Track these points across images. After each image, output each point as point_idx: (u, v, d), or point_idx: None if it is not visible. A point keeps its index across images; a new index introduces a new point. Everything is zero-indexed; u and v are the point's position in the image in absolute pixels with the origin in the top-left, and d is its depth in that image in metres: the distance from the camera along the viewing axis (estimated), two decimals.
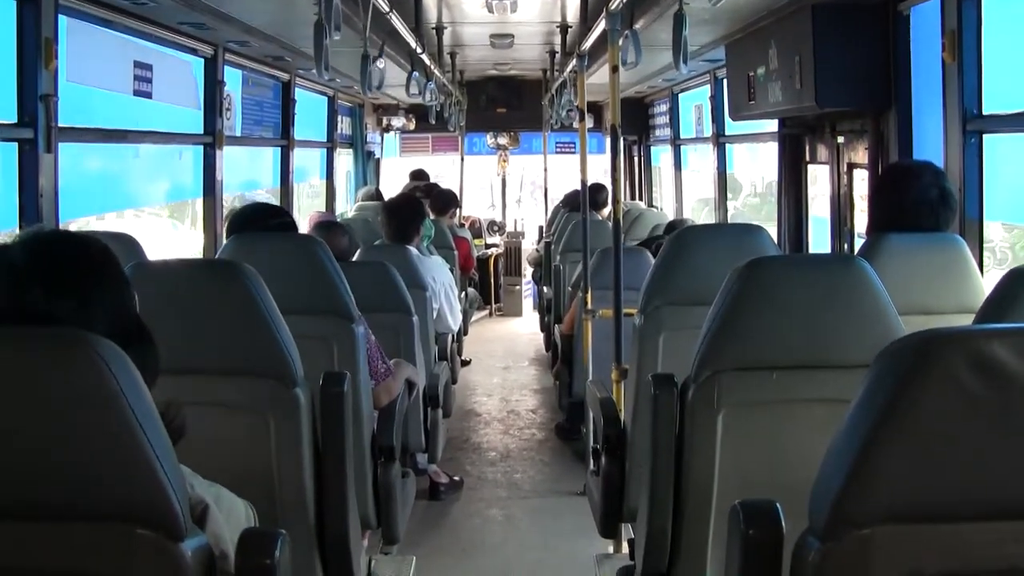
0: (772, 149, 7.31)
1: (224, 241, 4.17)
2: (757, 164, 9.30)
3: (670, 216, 10.53)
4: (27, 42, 4.33)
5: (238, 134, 7.64)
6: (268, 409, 3.08)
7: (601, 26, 5.55)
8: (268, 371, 3.08)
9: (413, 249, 6.35)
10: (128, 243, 4.21)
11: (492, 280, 14.60)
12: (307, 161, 10.51)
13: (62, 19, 4.58)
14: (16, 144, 4.36)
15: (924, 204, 3.72)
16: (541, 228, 13.83)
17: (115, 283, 1.91)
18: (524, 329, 13.51)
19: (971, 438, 1.62)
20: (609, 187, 8.95)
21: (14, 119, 4.35)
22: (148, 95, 5.94)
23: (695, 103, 10.27)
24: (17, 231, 4.38)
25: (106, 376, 1.66)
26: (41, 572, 1.70)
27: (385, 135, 14.41)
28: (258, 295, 3.03)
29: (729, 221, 9.30)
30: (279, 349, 3.06)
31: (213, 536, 1.82)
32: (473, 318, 12.36)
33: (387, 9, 5.52)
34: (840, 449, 1.70)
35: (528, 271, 14.13)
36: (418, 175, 12.55)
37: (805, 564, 1.72)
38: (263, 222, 4.26)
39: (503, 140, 15.24)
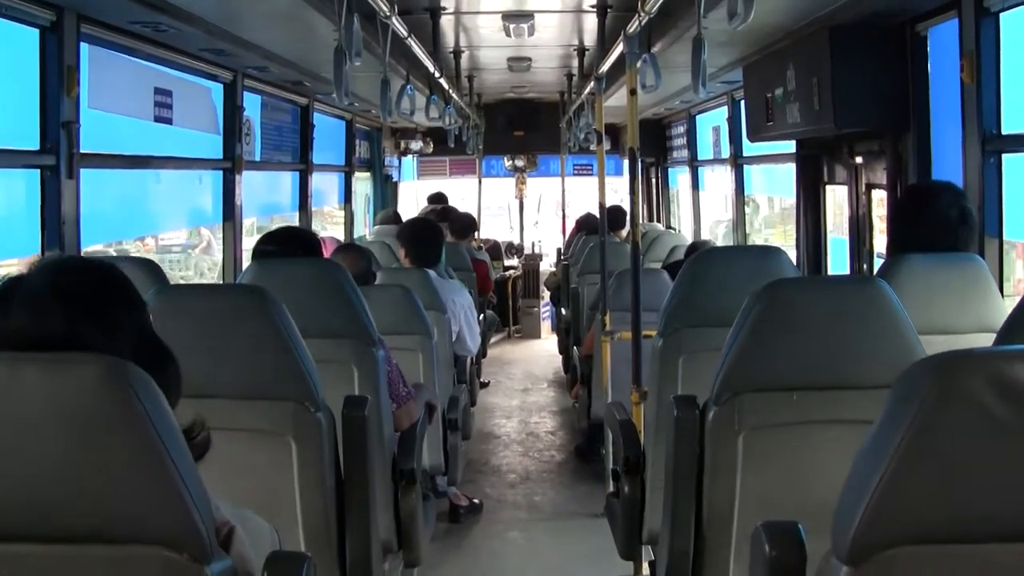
0: (788, 171, 7.31)
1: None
2: (774, 185, 9.27)
3: (688, 237, 10.53)
4: (49, 70, 4.36)
5: (257, 159, 7.67)
6: (290, 433, 3.10)
7: (619, 49, 5.57)
8: (290, 395, 3.09)
9: (432, 272, 6.36)
10: (150, 268, 4.22)
11: (510, 302, 14.61)
12: (324, 185, 10.54)
13: (84, 47, 4.62)
14: (38, 171, 4.39)
15: (942, 224, 3.72)
16: (559, 250, 13.84)
17: (134, 306, 1.93)
18: (542, 351, 13.50)
19: (994, 459, 1.62)
20: (628, 209, 8.96)
21: (36, 146, 4.37)
22: (168, 121, 5.98)
23: (712, 124, 10.27)
24: (39, 257, 4.42)
25: (131, 399, 1.67)
26: None
27: (403, 158, 14.45)
28: (279, 319, 3.05)
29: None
30: (301, 373, 3.07)
31: (239, 559, 1.82)
32: (491, 340, 12.36)
33: (405, 34, 5.55)
34: (863, 471, 1.70)
35: (546, 293, 14.14)
36: (436, 199, 12.57)
37: None
38: (286, 247, 4.28)
39: (520, 162, 15.25)
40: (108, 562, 1.71)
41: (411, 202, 14.71)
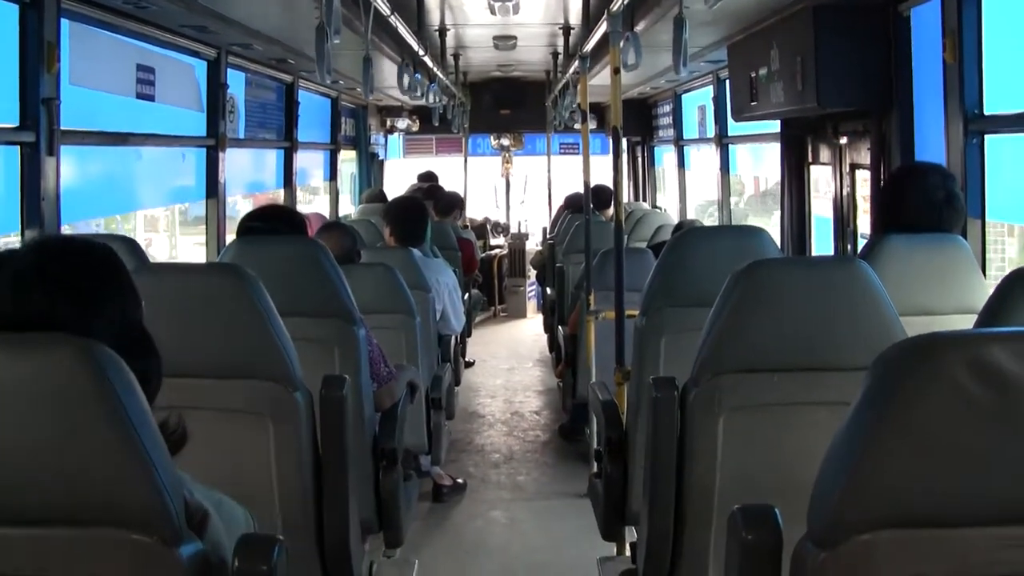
0: (773, 151, 7.30)
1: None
2: (763, 166, 9.27)
3: (673, 217, 10.52)
4: (29, 45, 4.33)
5: (241, 136, 7.64)
6: (267, 412, 3.08)
7: (602, 28, 5.55)
8: (267, 374, 3.08)
9: (416, 251, 6.34)
10: (129, 245, 4.20)
11: (496, 281, 14.59)
12: (308, 163, 10.50)
13: (64, 22, 4.58)
14: (18, 148, 4.36)
15: (926, 205, 3.71)
16: (545, 229, 13.83)
17: (120, 291, 1.91)
18: (528, 330, 13.49)
19: (971, 442, 1.61)
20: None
21: (16, 122, 4.34)
22: (151, 98, 5.95)
23: (698, 104, 10.26)
24: (19, 235, 4.39)
25: (100, 380, 1.66)
26: None
27: (389, 137, 14.41)
28: (257, 298, 3.02)
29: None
30: (278, 352, 3.06)
31: (212, 544, 1.81)
32: (477, 319, 12.35)
33: (388, 12, 5.51)
34: (839, 453, 1.70)
35: (532, 273, 14.12)
36: (427, 177, 12.52)
37: (805, 569, 1.72)
38: (272, 225, 4.25)
39: (506, 141, 15.22)
40: (76, 545, 1.70)
41: (397, 180, 14.67)
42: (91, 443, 1.67)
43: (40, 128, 4.35)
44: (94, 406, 1.66)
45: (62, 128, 4.47)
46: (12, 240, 4.53)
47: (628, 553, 4.59)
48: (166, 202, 8.16)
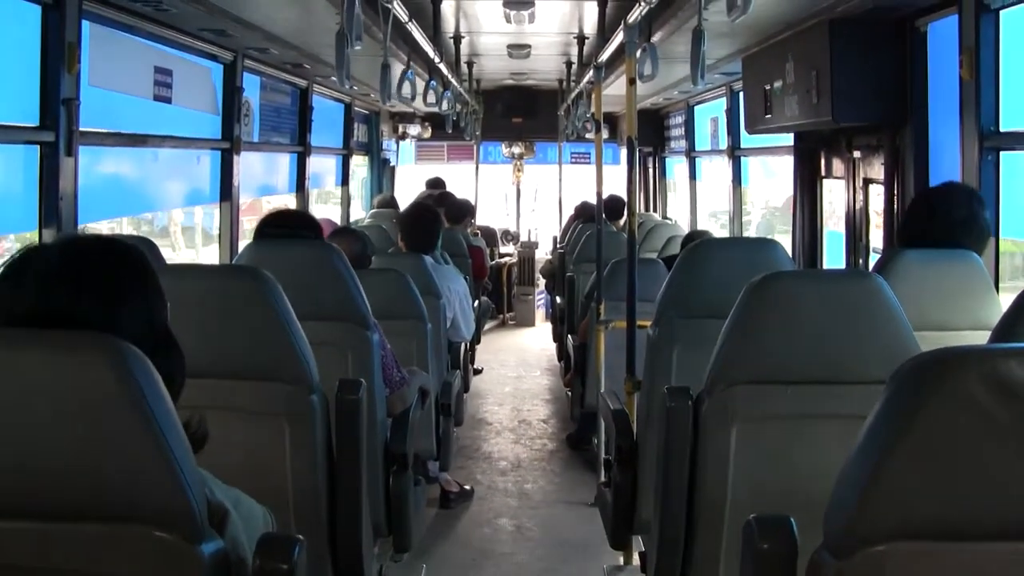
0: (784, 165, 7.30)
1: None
2: (774, 180, 9.28)
3: (684, 227, 10.53)
4: (51, 46, 4.36)
5: (255, 140, 7.67)
6: (283, 414, 3.09)
7: (619, 38, 5.56)
8: (285, 376, 3.09)
9: (428, 257, 6.36)
10: (147, 247, 4.21)
11: (505, 289, 14.60)
12: (319, 168, 10.53)
13: (85, 24, 4.61)
14: (38, 147, 4.38)
15: (947, 223, 3.71)
16: (555, 238, 13.85)
17: (144, 290, 1.92)
18: (536, 339, 13.50)
19: (986, 456, 1.62)
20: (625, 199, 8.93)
21: (36, 122, 4.37)
22: (168, 100, 5.98)
23: (711, 116, 10.27)
24: (36, 233, 4.42)
25: (125, 378, 1.68)
26: (58, 572, 1.72)
27: (401, 143, 14.43)
28: (276, 300, 3.04)
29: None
30: (296, 355, 3.07)
31: (232, 542, 1.82)
32: (485, 327, 12.36)
33: (406, 18, 5.53)
34: (855, 465, 1.71)
35: (541, 281, 14.13)
36: (435, 184, 12.54)
37: None
38: (289, 229, 4.26)
39: (518, 149, 15.24)
40: (100, 540, 1.71)
41: (409, 186, 14.69)
42: (117, 441, 1.68)
43: (59, 128, 4.38)
44: (120, 404, 1.68)
45: (81, 129, 4.50)
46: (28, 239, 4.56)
47: (636, 562, 4.60)
48: (178, 204, 8.19)
